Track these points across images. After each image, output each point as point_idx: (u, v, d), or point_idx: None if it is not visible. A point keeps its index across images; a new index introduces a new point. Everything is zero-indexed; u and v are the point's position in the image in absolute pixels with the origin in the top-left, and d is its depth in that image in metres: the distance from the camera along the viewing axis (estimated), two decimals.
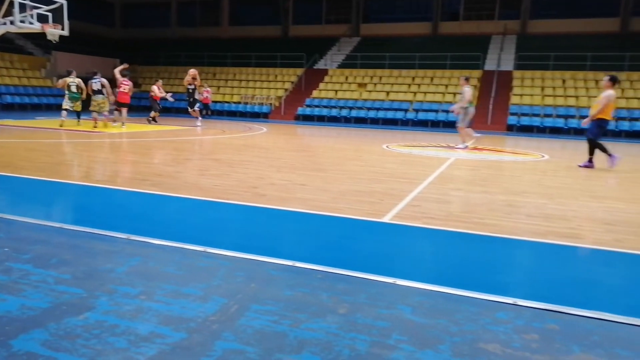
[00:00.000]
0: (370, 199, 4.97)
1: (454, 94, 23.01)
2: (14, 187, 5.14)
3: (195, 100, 15.78)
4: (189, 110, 15.85)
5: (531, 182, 6.63)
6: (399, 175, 6.82)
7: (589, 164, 8.29)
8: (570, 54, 22.57)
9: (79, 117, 14.14)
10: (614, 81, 8.12)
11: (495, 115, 21.22)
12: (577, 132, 18.44)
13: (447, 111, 21.93)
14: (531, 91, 22.20)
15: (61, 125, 13.00)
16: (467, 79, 11.27)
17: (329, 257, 3.13)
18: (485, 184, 6.22)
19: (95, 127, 13.11)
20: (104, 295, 2.36)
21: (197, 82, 15.56)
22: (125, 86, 14.19)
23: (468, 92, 10.92)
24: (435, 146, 11.89)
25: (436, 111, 22.24)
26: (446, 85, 23.75)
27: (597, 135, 8.17)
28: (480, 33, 27.57)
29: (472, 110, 11.21)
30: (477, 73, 24.13)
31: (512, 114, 21.05)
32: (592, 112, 8.24)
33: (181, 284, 2.55)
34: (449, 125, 21.14)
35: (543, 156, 10.20)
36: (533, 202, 5.18)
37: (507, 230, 3.94)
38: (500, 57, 24.71)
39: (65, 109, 13.72)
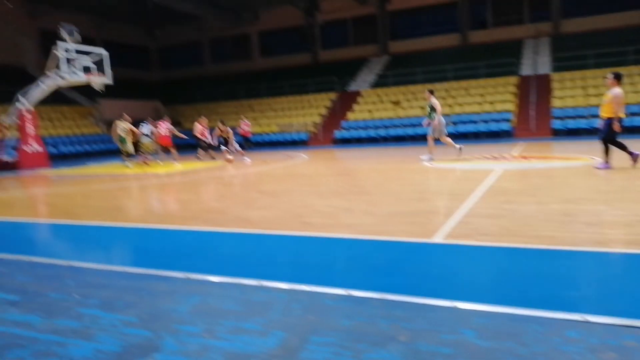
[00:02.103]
0: (418, 219, 4.91)
1: (492, 102, 22.63)
2: (76, 234, 5.41)
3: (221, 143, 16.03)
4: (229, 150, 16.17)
5: (586, 188, 6.37)
6: (445, 192, 6.72)
7: (606, 165, 8.17)
8: (610, 51, 21.80)
9: (125, 160, 14.83)
10: (618, 78, 8.12)
11: (539, 120, 20.65)
12: (629, 131, 17.60)
13: (486, 121, 21.58)
14: (573, 92, 21.51)
15: (141, 169, 13.80)
16: (432, 92, 11.61)
17: (383, 283, 3.10)
18: (537, 194, 6.02)
19: (143, 166, 14.07)
20: (169, 336, 2.43)
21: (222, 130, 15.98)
22: (163, 129, 14.96)
23: (437, 103, 11.29)
24: (480, 158, 11.65)
25: (475, 122, 21.88)
26: (482, 95, 23.37)
27: (610, 134, 8.11)
28: (511, 39, 27.16)
29: (442, 121, 11.46)
30: (513, 79, 23.68)
31: (556, 117, 20.41)
32: (604, 114, 8.18)
33: (241, 319, 2.59)
34: (492, 136, 20.76)
35: (594, 159, 9.79)
36: (590, 209, 4.96)
37: (566, 241, 3.78)
38: (536, 61, 24.15)
39: (127, 154, 14.70)
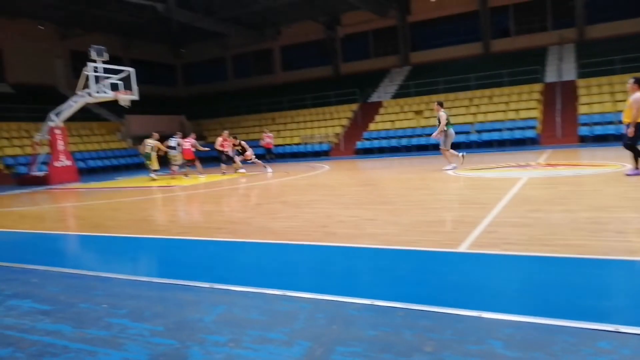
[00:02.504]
0: (442, 228, 4.86)
1: (517, 110, 22.34)
2: (105, 245, 5.54)
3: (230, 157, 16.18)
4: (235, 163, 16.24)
5: (616, 196, 6.20)
6: (470, 201, 6.63)
7: (637, 172, 7.97)
8: (637, 55, 21.28)
9: (151, 173, 15.58)
10: (639, 83, 8.04)
11: (565, 127, 20.26)
12: None
13: (510, 129, 21.30)
14: (600, 98, 21.05)
15: (166, 181, 14.25)
16: (440, 104, 11.79)
17: (408, 293, 3.08)
18: (565, 202, 5.90)
19: (169, 179, 14.71)
20: (195, 345, 2.46)
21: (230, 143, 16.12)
22: (187, 143, 15.76)
23: (443, 116, 11.42)
24: (505, 166, 11.47)
25: (500, 130, 21.61)
26: (507, 103, 23.10)
27: (631, 138, 8.02)
28: (534, 46, 26.84)
29: (452, 132, 11.60)
30: (538, 87, 23.34)
31: (583, 124, 19.98)
32: (626, 119, 8.12)
33: (266, 329, 2.61)
34: (517, 144, 20.46)
35: (624, 165, 9.53)
36: (621, 217, 4.83)
37: (596, 250, 3.69)
38: (561, 68, 23.76)
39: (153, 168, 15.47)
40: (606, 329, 2.29)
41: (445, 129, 11.41)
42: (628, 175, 8.04)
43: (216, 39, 33.77)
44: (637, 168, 8.07)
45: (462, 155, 11.67)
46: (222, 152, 16.06)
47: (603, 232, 4.24)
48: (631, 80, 8.17)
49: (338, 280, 3.49)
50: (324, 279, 3.55)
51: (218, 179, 14.09)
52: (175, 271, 4.04)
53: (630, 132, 7.95)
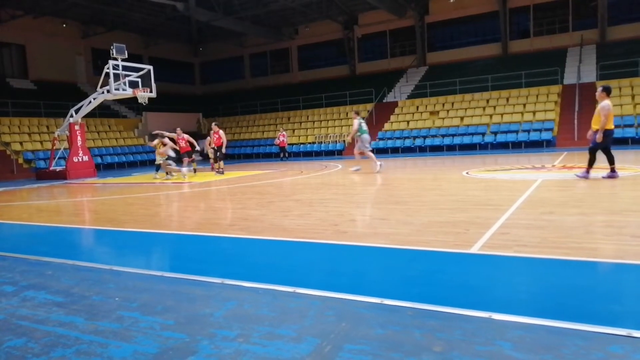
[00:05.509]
0: (455, 229, 4.83)
1: (534, 112, 22.07)
2: (119, 240, 5.62)
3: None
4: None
5: (633, 199, 6.09)
6: (484, 202, 6.57)
7: (613, 174, 8.25)
8: None
9: (156, 170, 15.78)
10: (607, 91, 8.28)
11: (582, 130, 19.90)
12: None
13: (527, 130, 21.05)
14: (620, 101, 20.67)
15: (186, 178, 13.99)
16: (357, 113, 13.07)
17: (418, 293, 3.07)
18: (580, 205, 5.81)
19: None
20: (205, 339, 2.49)
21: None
22: (183, 141, 15.63)
23: (355, 123, 12.77)
24: (520, 168, 11.34)
25: (516, 132, 21.37)
26: (524, 105, 22.82)
27: (598, 145, 8.23)
28: (554, 47, 26.48)
29: (365, 137, 12.75)
30: (556, 88, 23.03)
31: None
32: (594, 125, 8.31)
33: (275, 325, 2.62)
34: (533, 146, 20.22)
35: None
36: (637, 220, 4.74)
37: (610, 253, 3.64)
38: (580, 70, 23.40)
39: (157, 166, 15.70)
40: (618, 333, 2.26)
41: (359, 134, 12.66)
42: (578, 176, 8.51)
43: (234, 37, 34.00)
44: (587, 171, 8.41)
45: (380, 164, 12.69)
46: (214, 149, 15.90)
47: (618, 236, 4.17)
48: (600, 89, 8.35)
49: (348, 279, 3.49)
50: (334, 277, 3.56)
51: (231, 177, 14.18)
52: (187, 266, 4.09)
53: (599, 137, 8.15)
